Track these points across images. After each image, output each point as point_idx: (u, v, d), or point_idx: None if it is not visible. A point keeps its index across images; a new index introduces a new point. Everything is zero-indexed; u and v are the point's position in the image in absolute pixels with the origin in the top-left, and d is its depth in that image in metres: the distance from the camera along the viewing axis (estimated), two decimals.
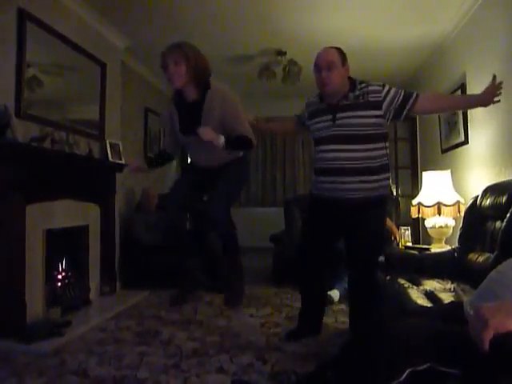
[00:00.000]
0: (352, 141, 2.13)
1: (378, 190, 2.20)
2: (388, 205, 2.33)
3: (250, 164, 2.79)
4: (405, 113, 2.15)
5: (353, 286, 2.40)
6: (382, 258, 3.09)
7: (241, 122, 2.46)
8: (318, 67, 2.17)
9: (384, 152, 2.21)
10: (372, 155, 2.15)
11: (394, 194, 3.27)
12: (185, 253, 2.86)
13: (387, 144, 2.24)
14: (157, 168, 3.08)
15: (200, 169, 2.69)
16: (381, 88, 2.14)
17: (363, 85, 2.18)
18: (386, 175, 2.23)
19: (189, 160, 2.82)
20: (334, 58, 2.14)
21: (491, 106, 2.13)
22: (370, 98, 2.12)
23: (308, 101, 2.39)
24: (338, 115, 2.15)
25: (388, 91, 2.13)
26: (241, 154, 2.66)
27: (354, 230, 2.27)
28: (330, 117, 2.18)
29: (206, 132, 2.36)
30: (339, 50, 2.19)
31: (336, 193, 2.22)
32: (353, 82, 2.19)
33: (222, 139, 2.40)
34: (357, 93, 2.15)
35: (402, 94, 2.14)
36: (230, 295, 2.57)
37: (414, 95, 2.14)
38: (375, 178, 2.17)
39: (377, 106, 2.12)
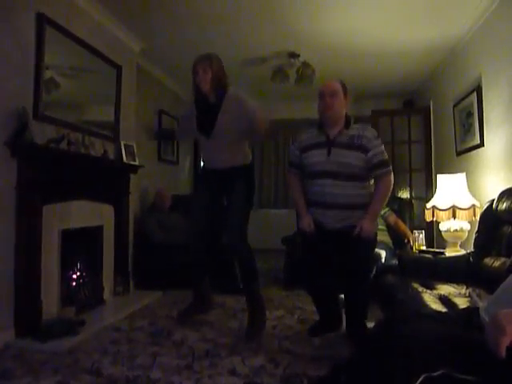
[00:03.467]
0: (343, 178, 2.30)
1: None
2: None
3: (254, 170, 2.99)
4: (371, 174, 2.35)
5: (348, 296, 2.51)
6: (395, 262, 3.08)
7: (257, 114, 2.60)
8: (321, 94, 2.35)
9: (369, 191, 2.40)
10: (361, 193, 2.36)
11: None
12: (200, 279, 2.95)
13: (370, 183, 2.42)
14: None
15: (212, 172, 2.76)
16: (373, 138, 2.32)
17: (359, 126, 2.37)
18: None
19: (201, 164, 2.92)
20: (337, 88, 2.35)
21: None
22: (363, 142, 2.30)
23: (305, 134, 2.50)
24: (333, 150, 2.32)
25: (376, 146, 2.31)
26: (250, 158, 2.81)
27: (343, 253, 2.41)
28: (325, 150, 2.34)
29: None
30: (342, 83, 2.40)
31: (325, 221, 2.39)
32: (348, 120, 2.37)
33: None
34: (351, 132, 2.33)
35: (381, 158, 2.31)
36: (250, 329, 2.60)
37: (385, 170, 2.32)
38: (360, 212, 2.34)
39: (366, 150, 2.30)
